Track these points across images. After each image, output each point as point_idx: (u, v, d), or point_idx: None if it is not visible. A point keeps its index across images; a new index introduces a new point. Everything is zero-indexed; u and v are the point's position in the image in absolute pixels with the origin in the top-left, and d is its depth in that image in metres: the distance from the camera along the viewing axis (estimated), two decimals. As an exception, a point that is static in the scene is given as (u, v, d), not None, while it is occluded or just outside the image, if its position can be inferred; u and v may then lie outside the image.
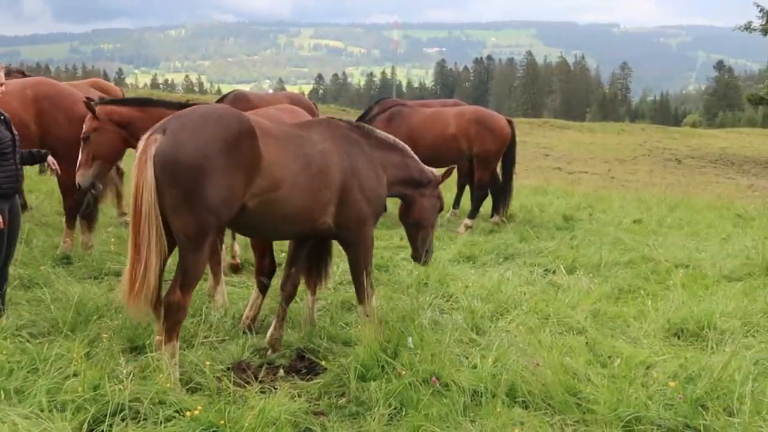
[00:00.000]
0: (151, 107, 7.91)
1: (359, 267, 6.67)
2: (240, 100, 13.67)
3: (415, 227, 7.24)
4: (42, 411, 4.84)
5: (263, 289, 7.21)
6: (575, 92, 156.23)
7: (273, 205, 5.88)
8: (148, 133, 5.46)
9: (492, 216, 13.60)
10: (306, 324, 7.05)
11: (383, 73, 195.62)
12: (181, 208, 5.36)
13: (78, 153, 8.31)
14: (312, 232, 6.45)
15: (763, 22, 45.89)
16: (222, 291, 7.82)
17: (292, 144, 6.09)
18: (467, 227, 12.78)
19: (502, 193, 13.47)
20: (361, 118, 13.60)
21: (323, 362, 6.07)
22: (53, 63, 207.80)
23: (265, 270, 7.28)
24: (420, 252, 7.32)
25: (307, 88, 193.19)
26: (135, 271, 5.38)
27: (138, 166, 5.33)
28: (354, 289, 6.90)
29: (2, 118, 6.69)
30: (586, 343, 6.93)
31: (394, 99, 16.18)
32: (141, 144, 5.43)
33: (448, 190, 15.41)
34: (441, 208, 7.43)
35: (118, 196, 11.38)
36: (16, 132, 6.72)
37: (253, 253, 7.50)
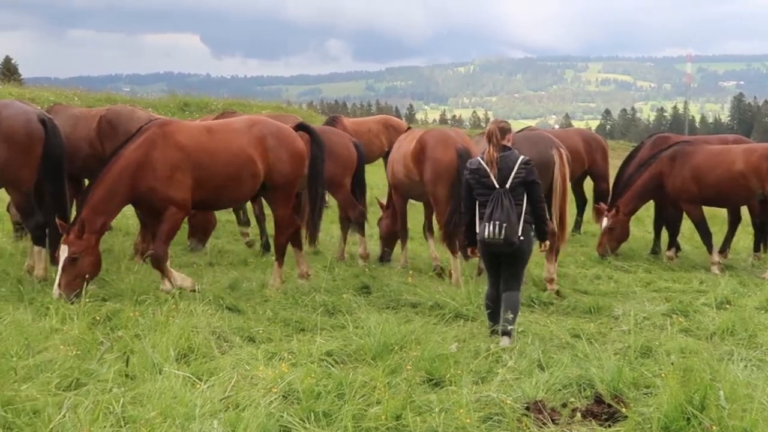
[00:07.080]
0: None
1: None
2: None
3: None
4: (348, 436, 5.07)
5: None
6: None
7: None
8: (560, 150, 9.60)
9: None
10: None
11: (675, 107, 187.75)
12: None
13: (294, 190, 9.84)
14: None
15: None
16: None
17: None
18: (774, 273, 11.80)
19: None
20: (632, 154, 14.28)
21: (623, 409, 5.83)
22: (350, 100, 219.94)
23: None
24: None
25: (594, 123, 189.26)
26: (564, 223, 9.43)
27: (563, 167, 9.47)
28: None
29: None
30: None
31: (666, 134, 15.50)
32: (558, 155, 9.48)
33: (748, 233, 14.34)
34: None
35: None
36: None
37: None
